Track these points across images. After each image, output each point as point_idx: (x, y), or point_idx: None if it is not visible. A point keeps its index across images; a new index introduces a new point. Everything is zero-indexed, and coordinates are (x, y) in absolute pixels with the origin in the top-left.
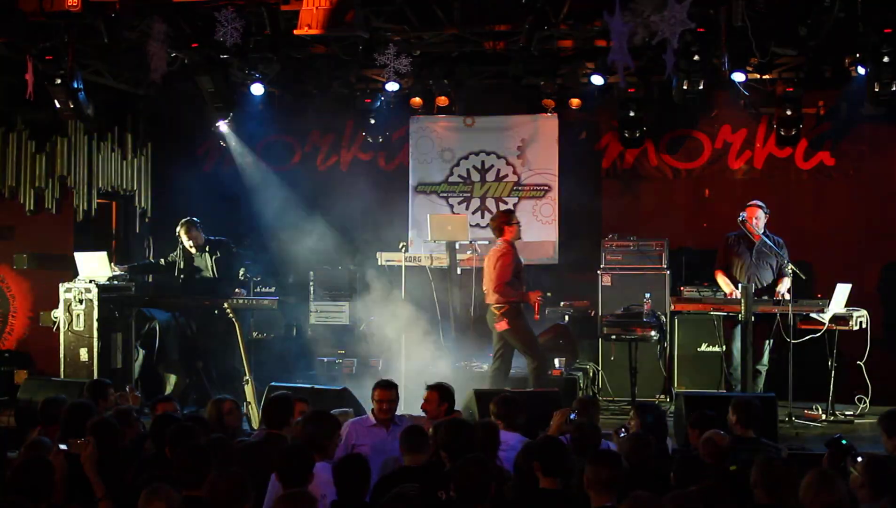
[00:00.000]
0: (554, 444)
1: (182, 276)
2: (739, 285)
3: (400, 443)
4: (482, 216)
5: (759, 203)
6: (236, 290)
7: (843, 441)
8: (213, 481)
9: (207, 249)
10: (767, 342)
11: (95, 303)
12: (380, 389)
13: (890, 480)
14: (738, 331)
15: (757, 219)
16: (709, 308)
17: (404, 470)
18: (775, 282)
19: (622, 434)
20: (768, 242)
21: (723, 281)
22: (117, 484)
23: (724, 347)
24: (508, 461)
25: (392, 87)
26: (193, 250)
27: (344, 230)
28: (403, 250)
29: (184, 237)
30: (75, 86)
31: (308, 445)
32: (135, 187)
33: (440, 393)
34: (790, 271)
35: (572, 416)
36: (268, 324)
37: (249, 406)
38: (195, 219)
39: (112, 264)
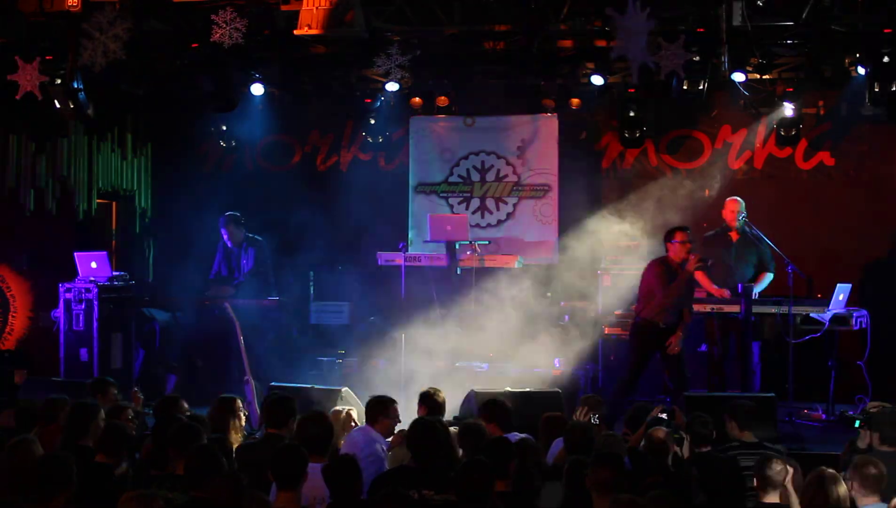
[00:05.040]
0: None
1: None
2: (740, 286)
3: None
4: (482, 216)
5: (737, 198)
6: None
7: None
8: (214, 482)
9: (245, 247)
10: (756, 342)
11: (95, 303)
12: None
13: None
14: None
15: (738, 214)
16: (708, 308)
17: (401, 470)
18: (754, 279)
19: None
20: (749, 233)
21: (704, 282)
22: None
23: (715, 346)
24: None
25: (392, 87)
26: (229, 245)
27: (344, 230)
28: (403, 250)
29: (223, 232)
30: (75, 86)
31: (307, 446)
32: (135, 187)
33: (428, 408)
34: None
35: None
36: (268, 324)
37: (249, 406)
38: (237, 214)
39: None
